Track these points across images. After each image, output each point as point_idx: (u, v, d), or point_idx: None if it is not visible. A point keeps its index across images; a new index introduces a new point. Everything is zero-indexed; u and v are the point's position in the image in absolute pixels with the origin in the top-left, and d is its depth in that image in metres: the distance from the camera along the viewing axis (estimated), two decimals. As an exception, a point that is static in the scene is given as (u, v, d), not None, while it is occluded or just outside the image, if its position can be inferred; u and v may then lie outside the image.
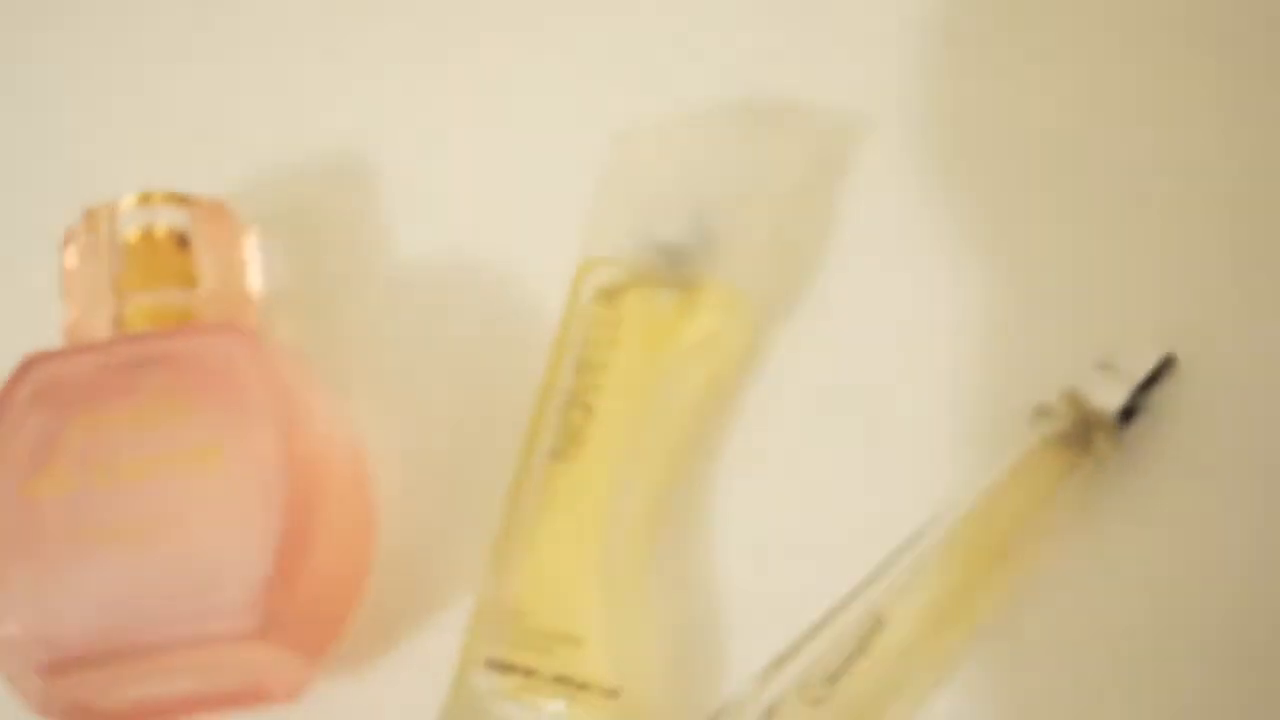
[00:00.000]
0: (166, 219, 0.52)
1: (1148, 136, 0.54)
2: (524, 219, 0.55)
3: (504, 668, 0.49)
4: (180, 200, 0.53)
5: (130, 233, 0.52)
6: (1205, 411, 0.51)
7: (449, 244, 0.55)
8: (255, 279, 0.54)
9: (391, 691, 0.51)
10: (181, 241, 0.52)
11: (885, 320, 0.53)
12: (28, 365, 0.49)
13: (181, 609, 0.47)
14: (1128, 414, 0.50)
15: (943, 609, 0.49)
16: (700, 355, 0.52)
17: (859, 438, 0.52)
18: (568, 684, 0.49)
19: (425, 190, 0.56)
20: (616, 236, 0.53)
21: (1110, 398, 0.50)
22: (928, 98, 0.55)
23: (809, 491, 0.52)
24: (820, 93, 0.55)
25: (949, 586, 0.49)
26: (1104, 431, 0.50)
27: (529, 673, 0.49)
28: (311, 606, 0.48)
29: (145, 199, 0.52)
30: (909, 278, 0.54)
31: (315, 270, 0.56)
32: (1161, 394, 0.51)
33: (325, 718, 0.51)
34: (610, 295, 0.52)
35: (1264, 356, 0.52)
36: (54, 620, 0.47)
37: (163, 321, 0.51)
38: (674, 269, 0.52)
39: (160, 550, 0.47)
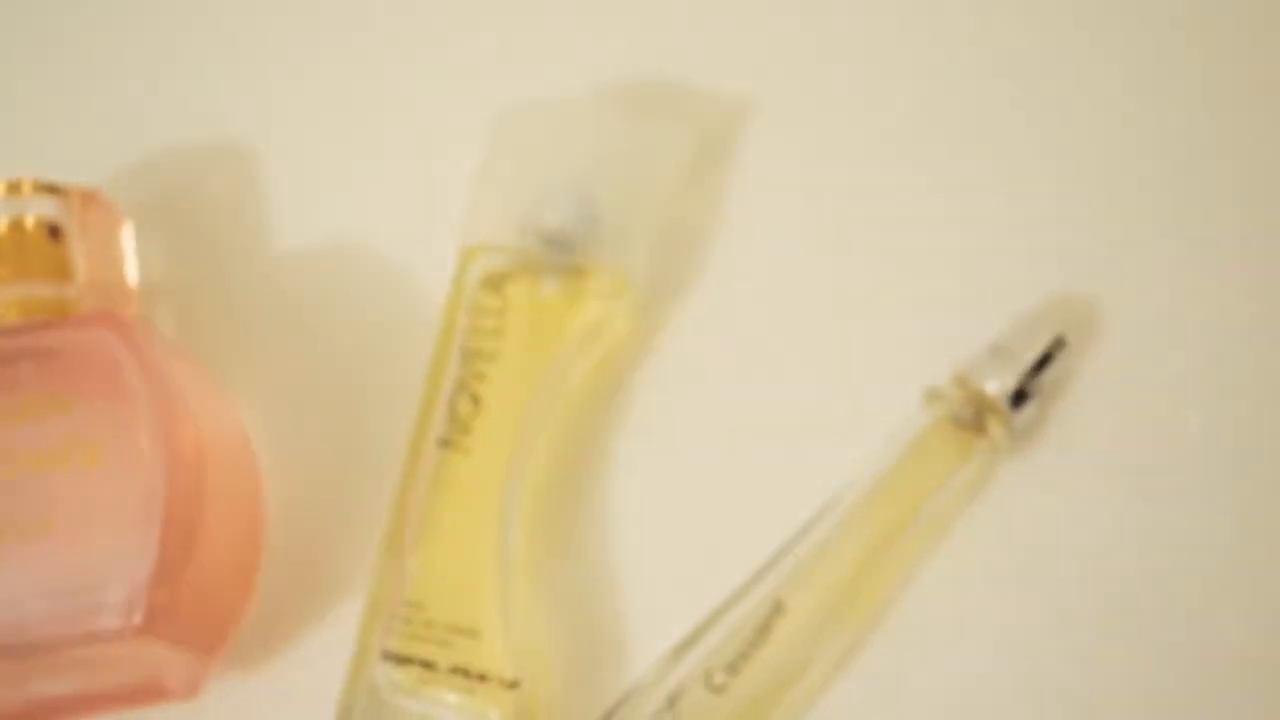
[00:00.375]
0: (37, 209, 0.51)
1: (1036, 116, 0.55)
2: (406, 204, 0.54)
3: (401, 660, 0.48)
4: (51, 189, 0.51)
5: (-1, 223, 0.51)
6: (1100, 390, 0.52)
7: (331, 231, 0.54)
8: (132, 269, 0.52)
9: (291, 685, 0.50)
10: (53, 232, 0.51)
11: (775, 304, 0.53)
12: (-100, 364, 0.48)
13: (66, 607, 0.45)
14: (1019, 397, 0.50)
15: (841, 593, 0.49)
16: (588, 342, 0.52)
17: (753, 423, 0.52)
18: (467, 676, 0.48)
19: (305, 176, 0.55)
20: (500, 223, 0.52)
21: (1001, 381, 0.50)
22: (813, 80, 0.55)
23: (705, 478, 0.51)
24: (705, 76, 0.55)
25: (847, 571, 0.49)
26: (996, 415, 0.50)
27: (427, 665, 0.48)
28: (199, 602, 0.47)
29: (14, 188, 0.51)
30: (798, 261, 0.53)
31: (195, 260, 0.54)
32: (1053, 375, 0.51)
33: (226, 714, 0.50)
34: (495, 283, 0.51)
35: (1154, 334, 0.52)
36: (-64, 620, 0.45)
37: (36, 314, 0.49)
38: (559, 255, 0.51)
39: (43, 548, 0.46)
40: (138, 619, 0.45)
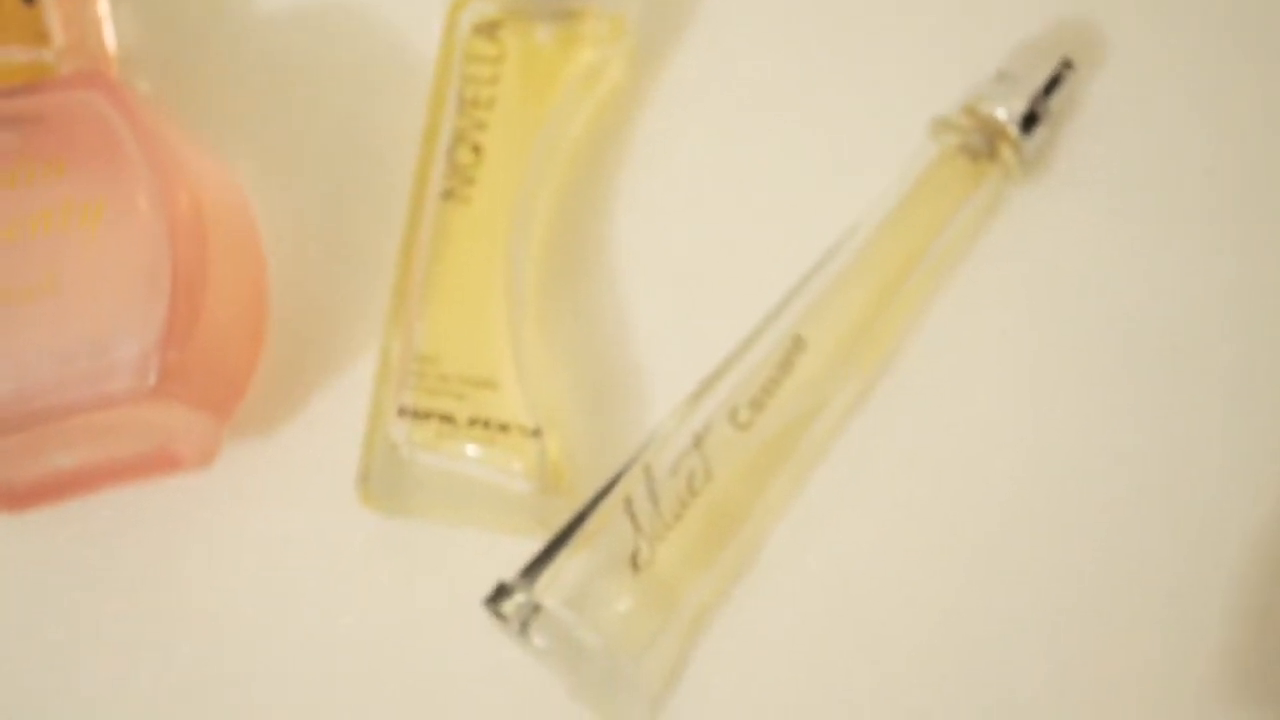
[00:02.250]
0: (7, -26, 0.49)
1: None
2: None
3: (419, 415, 0.47)
4: (22, -46, 0.49)
5: (-30, -12, 0.48)
6: (1105, 113, 0.51)
7: (311, -15, 0.53)
8: (110, 35, 0.50)
9: (305, 451, 0.49)
10: (26, -4, 0.49)
11: (775, 42, 0.52)
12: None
13: (77, 371, 0.44)
14: (1029, 121, 0.49)
15: (860, 327, 0.48)
16: (587, 87, 0.51)
17: (760, 162, 0.51)
18: (487, 427, 0.47)
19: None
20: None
21: (1010, 106, 0.49)
22: None
23: (714, 220, 0.50)
24: None
25: (865, 305, 0.48)
26: (1006, 140, 0.49)
27: (446, 418, 0.47)
28: (210, 362, 0.46)
29: (-19, -46, 0.49)
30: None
31: (172, 25, 0.52)
32: (1061, 98, 0.50)
33: (242, 481, 0.49)
34: (488, 29, 0.50)
35: (1162, 56, 0.51)
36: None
37: (17, 79, 0.48)
38: (550, 0, 0.50)
39: (48, 313, 0.44)
40: (152, 379, 0.44)
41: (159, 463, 0.48)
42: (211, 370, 0.46)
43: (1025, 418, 0.49)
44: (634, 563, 0.46)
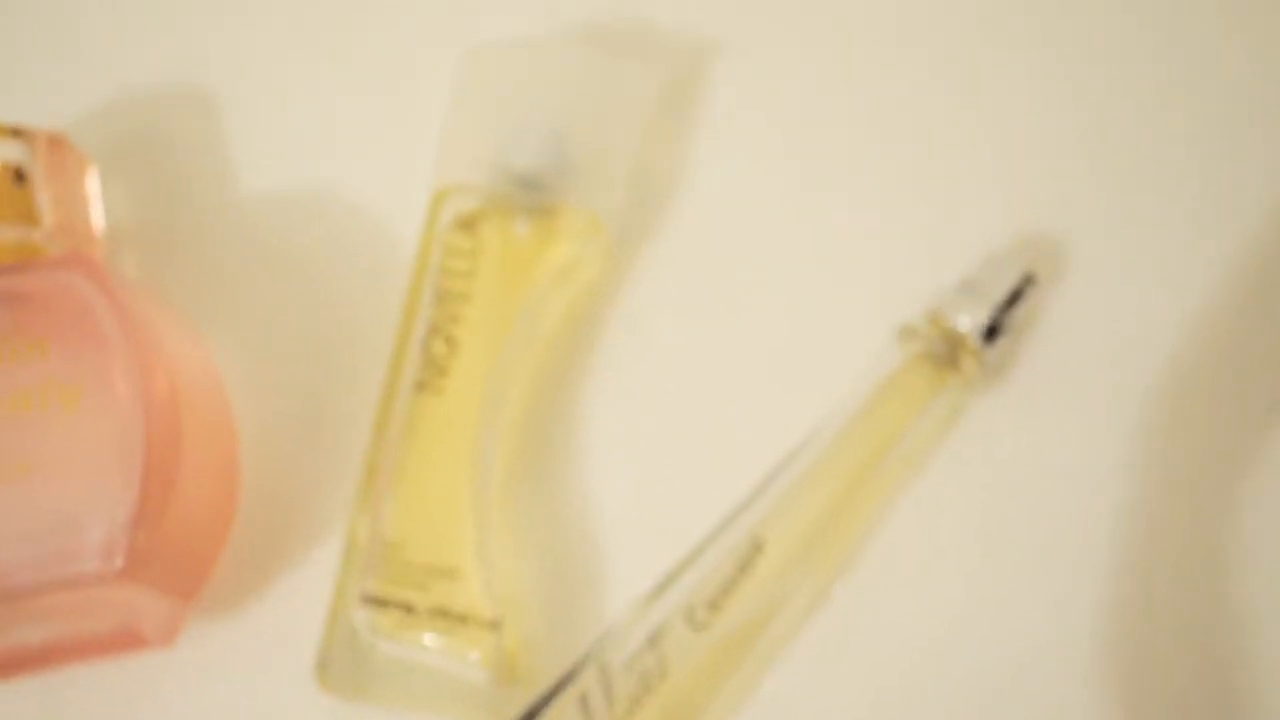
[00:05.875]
0: (2, 153, 0.50)
1: (1007, 56, 0.55)
2: (375, 145, 0.54)
3: (381, 603, 0.48)
4: (16, 133, 0.50)
5: (-36, 168, 0.50)
6: (1067, 326, 0.52)
7: (299, 173, 0.54)
8: (99, 214, 0.52)
9: (267, 633, 0.49)
10: (19, 176, 0.50)
11: (747, 243, 0.53)
12: None
13: (46, 550, 0.45)
14: (991, 332, 0.51)
15: (819, 529, 0.49)
16: (561, 282, 0.52)
17: (727, 362, 0.52)
18: (447, 617, 0.48)
19: (273, 119, 0.54)
20: (471, 164, 0.52)
21: (973, 317, 0.51)
22: (781, 18, 0.55)
23: (680, 417, 0.51)
24: (672, 14, 0.55)
25: (824, 507, 0.49)
26: (968, 351, 0.50)
27: (406, 608, 0.48)
28: (178, 545, 0.47)
29: (-22, 132, 0.50)
30: (770, 201, 0.53)
31: (161, 205, 0.54)
32: (1023, 311, 0.51)
33: (201, 661, 0.49)
34: (467, 224, 0.51)
35: (1123, 269, 0.52)
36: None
37: (3, 259, 0.49)
38: (530, 196, 0.51)
39: (21, 492, 0.45)
40: (119, 562, 0.45)
41: (121, 641, 0.48)
42: (179, 553, 0.47)
43: (979, 621, 0.49)
44: (586, 759, 0.47)
